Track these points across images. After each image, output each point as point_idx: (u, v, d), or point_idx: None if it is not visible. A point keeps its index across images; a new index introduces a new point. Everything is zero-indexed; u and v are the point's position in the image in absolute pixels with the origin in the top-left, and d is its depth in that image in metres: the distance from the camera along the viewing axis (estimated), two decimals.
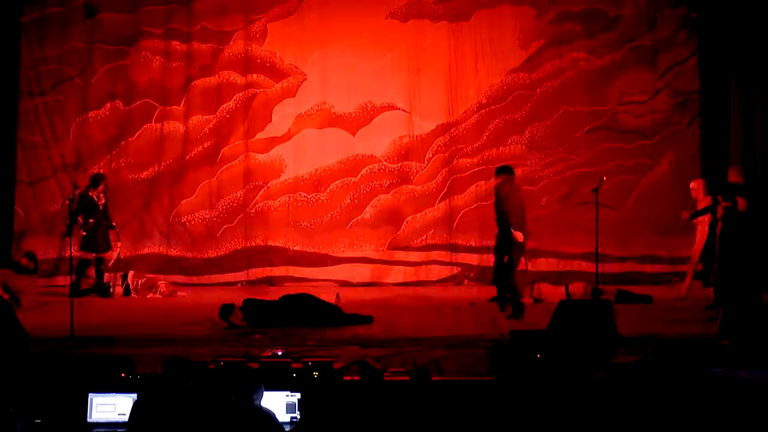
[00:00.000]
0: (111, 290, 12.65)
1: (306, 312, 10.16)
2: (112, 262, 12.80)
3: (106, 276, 12.77)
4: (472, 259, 13.91)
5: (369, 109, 13.93)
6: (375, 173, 13.96)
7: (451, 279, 13.91)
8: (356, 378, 6.65)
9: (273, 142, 14.01)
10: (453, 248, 13.94)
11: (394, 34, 13.90)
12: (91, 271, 12.68)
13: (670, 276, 13.28)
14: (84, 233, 12.32)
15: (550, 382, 6.67)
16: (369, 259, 13.96)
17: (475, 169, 13.88)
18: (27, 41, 13.84)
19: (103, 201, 12.59)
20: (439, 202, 13.95)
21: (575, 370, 7.12)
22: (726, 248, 10.16)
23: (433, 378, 6.52)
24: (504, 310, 10.60)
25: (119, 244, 12.96)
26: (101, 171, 13.40)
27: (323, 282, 13.69)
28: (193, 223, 14.02)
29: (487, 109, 13.89)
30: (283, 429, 4.45)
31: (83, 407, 5.86)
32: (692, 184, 11.33)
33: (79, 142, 13.93)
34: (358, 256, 13.96)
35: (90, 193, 12.43)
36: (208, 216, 14.01)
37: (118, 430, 5.59)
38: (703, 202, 10.99)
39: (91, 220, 12.36)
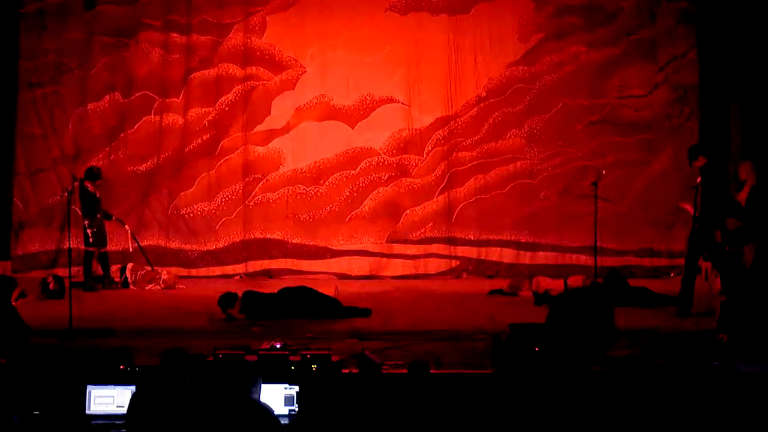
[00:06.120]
0: (119, 282, 12.73)
1: (305, 304, 10.18)
2: (131, 247, 13.03)
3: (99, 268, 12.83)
4: (471, 252, 13.92)
5: (368, 102, 13.92)
6: (374, 166, 13.96)
7: (450, 272, 13.90)
8: (354, 371, 6.65)
9: (272, 134, 14.00)
10: (452, 241, 13.94)
11: (394, 27, 13.88)
12: (94, 265, 12.73)
13: (668, 270, 13.29)
14: (95, 229, 12.37)
15: (548, 375, 6.67)
16: (368, 252, 13.96)
17: (474, 163, 13.88)
18: (26, 32, 13.83)
19: (98, 195, 12.65)
20: (438, 196, 13.94)
21: (573, 363, 7.13)
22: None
23: (432, 371, 6.52)
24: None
25: (127, 227, 13.11)
26: (100, 163, 13.47)
27: (322, 275, 13.69)
28: (191, 215, 14.02)
29: (487, 103, 13.89)
30: (280, 423, 4.44)
31: (82, 399, 5.86)
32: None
33: (78, 134, 13.92)
34: (357, 249, 13.96)
35: (89, 188, 12.46)
36: (206, 208, 14.02)
37: (117, 422, 5.59)
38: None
39: (98, 215, 12.46)
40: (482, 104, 13.89)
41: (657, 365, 7.38)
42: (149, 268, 13.03)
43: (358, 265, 13.91)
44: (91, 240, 12.39)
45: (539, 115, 13.83)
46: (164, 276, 12.85)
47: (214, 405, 4.36)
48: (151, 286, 12.70)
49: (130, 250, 13.19)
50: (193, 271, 13.88)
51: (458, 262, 13.94)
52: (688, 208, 10.71)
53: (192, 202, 14.01)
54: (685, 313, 9.88)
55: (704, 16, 13.50)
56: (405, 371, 6.49)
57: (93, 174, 12.62)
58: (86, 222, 12.40)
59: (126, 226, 13.20)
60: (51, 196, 13.75)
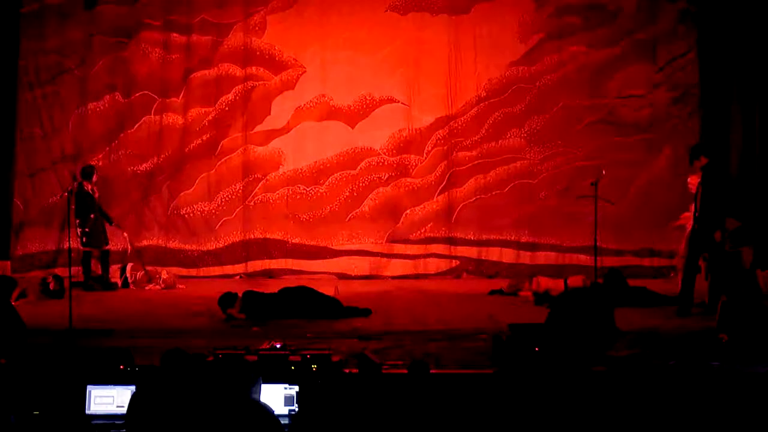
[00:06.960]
0: (119, 283, 12.73)
1: (305, 304, 10.18)
2: (128, 251, 13.06)
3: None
4: (471, 252, 13.92)
5: (368, 101, 13.91)
6: (374, 166, 13.96)
7: (450, 272, 13.91)
8: (354, 371, 6.65)
9: (272, 134, 13.99)
10: (452, 241, 13.94)
11: (394, 26, 13.88)
12: (94, 265, 12.72)
13: (668, 270, 13.29)
14: (87, 230, 12.35)
15: (548, 375, 6.67)
16: (368, 252, 13.96)
17: (474, 162, 13.88)
18: (26, 32, 13.80)
19: (97, 195, 12.62)
20: (438, 195, 13.94)
21: (573, 363, 7.13)
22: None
23: (432, 371, 6.52)
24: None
25: (126, 234, 13.10)
26: (100, 163, 13.50)
27: (322, 275, 13.69)
28: (192, 215, 14.02)
29: (487, 103, 13.88)
30: (280, 423, 4.44)
31: (82, 399, 5.86)
32: (690, 179, 11.22)
33: (78, 134, 13.91)
34: (357, 249, 13.96)
35: (85, 188, 12.43)
36: (206, 208, 14.01)
37: (117, 422, 5.59)
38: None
39: (92, 216, 12.42)
40: (482, 104, 13.89)
41: (657, 365, 7.38)
42: (148, 268, 13.04)
43: (358, 265, 13.91)
44: (84, 240, 12.36)
45: (539, 115, 13.83)
46: (164, 276, 12.85)
47: (214, 405, 4.36)
48: (151, 286, 12.70)
49: (128, 252, 13.18)
50: (193, 271, 13.88)
51: (458, 262, 13.94)
52: (687, 218, 10.76)
53: (192, 202, 14.01)
54: (685, 313, 9.88)
55: (704, 16, 13.50)
56: (405, 371, 6.49)
57: (87, 173, 12.58)
58: (77, 221, 12.34)
59: (125, 233, 13.17)
60: (51, 196, 13.73)
